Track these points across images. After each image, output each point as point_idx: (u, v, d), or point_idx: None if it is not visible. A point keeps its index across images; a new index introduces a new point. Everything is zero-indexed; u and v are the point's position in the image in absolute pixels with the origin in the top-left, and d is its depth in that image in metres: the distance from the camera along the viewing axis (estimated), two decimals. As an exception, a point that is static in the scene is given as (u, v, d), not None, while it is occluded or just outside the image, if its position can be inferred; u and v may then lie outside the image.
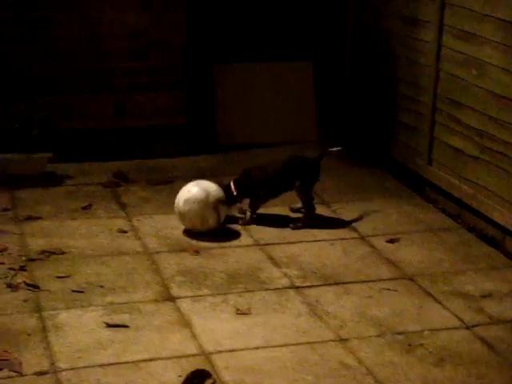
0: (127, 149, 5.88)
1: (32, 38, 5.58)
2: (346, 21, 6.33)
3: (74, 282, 4.04)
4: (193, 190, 4.66)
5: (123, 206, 5.04)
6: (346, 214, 5.05)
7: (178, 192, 4.78)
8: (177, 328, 3.69)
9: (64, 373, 3.29)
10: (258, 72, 6.39)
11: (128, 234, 4.64)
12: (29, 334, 3.54)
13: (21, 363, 3.32)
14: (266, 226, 4.83)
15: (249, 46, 6.40)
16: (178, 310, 3.85)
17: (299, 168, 4.85)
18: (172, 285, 4.09)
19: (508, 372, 3.41)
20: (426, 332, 3.70)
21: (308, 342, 3.60)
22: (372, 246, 4.60)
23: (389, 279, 4.21)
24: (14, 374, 3.27)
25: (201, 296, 3.99)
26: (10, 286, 3.93)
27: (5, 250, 4.32)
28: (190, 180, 5.00)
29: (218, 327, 3.71)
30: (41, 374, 3.27)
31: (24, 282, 3.96)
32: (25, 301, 3.82)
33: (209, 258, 4.41)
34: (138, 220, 4.84)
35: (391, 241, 4.66)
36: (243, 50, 6.38)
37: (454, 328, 3.75)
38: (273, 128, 6.39)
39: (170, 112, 5.99)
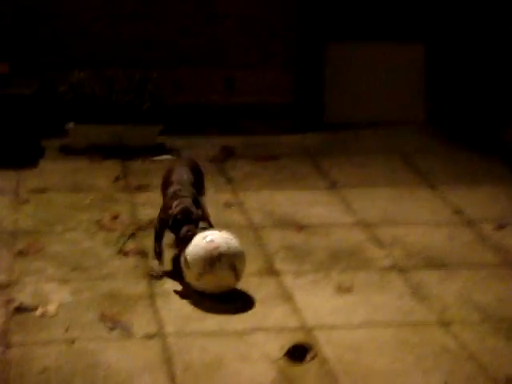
0: (235, 124, 5.97)
1: (148, 15, 5.74)
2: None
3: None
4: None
5: (229, 181, 5.13)
6: (453, 197, 4.99)
7: (281, 169, 4.82)
8: (279, 302, 3.74)
9: (170, 337, 3.40)
10: (370, 51, 6.33)
11: (233, 208, 4.73)
12: (138, 299, 3.68)
13: (131, 325, 3.46)
14: (370, 204, 4.83)
15: (361, 24, 6.36)
16: (280, 284, 3.91)
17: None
18: (275, 259, 4.15)
19: None
20: (529, 325, 3.65)
21: (409, 324, 3.59)
22: (479, 231, 4.54)
23: (496, 265, 4.15)
24: (125, 334, 3.41)
25: (303, 272, 4.03)
26: (120, 251, 4.08)
27: (117, 217, 4.48)
28: (294, 157, 5.04)
29: (319, 303, 3.75)
30: (149, 337, 3.40)
31: (134, 250, 4.11)
32: (135, 267, 3.96)
33: (312, 235, 4.45)
34: (243, 195, 4.92)
35: (499, 227, 4.58)
36: (355, 28, 6.34)
37: (561, 318, 3.68)
38: (380, 108, 6.35)
39: (279, 89, 6.04)
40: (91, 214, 4.52)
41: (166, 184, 4.06)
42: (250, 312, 3.65)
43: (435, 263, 4.16)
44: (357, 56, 6.36)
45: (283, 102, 6.10)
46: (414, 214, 4.74)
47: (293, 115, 6.13)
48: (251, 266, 4.05)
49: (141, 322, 3.50)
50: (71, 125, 5.41)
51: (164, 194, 4.03)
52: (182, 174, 4.06)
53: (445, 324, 3.60)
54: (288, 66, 6.05)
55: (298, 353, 3.32)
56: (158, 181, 5.04)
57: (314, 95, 6.28)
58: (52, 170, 5.15)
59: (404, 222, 4.65)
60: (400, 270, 4.08)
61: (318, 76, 6.29)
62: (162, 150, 5.48)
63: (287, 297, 3.79)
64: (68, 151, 5.40)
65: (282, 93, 6.09)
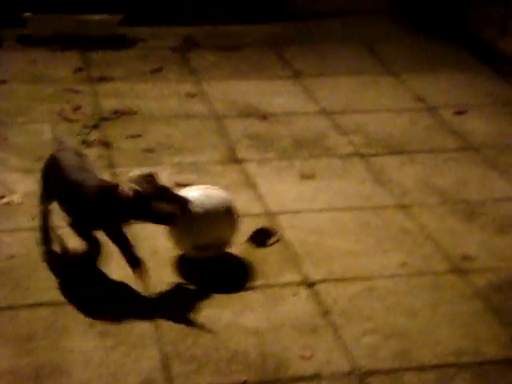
0: (198, 14, 5.88)
1: None
2: None
3: (143, 141, 4.16)
4: None
5: (192, 71, 5.10)
6: (414, 84, 5.02)
7: (244, 59, 4.80)
8: (242, 189, 3.79)
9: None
10: None
11: (197, 98, 4.72)
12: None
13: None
14: (333, 92, 4.86)
15: None
16: (243, 172, 3.95)
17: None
18: (239, 148, 4.18)
19: None
20: (489, 201, 3.74)
21: (370, 207, 3.68)
22: (439, 117, 4.60)
23: (454, 150, 4.23)
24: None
25: (266, 159, 4.07)
26: (84, 142, 4.08)
27: (79, 108, 4.46)
28: (257, 47, 5.02)
29: (282, 190, 3.81)
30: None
31: (97, 140, 4.11)
32: (98, 157, 3.97)
33: (275, 123, 4.47)
34: (206, 85, 4.90)
35: (459, 112, 4.64)
36: None
37: (518, 199, 3.79)
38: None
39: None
40: (53, 105, 4.48)
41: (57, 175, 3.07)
42: (214, 199, 3.70)
43: (396, 149, 4.22)
44: None
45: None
46: (376, 102, 4.78)
47: (256, 5, 6.05)
48: (214, 154, 4.09)
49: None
50: (29, 14, 5.29)
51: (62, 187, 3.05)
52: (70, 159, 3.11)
53: (404, 207, 3.69)
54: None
55: (261, 237, 3.39)
56: (120, 71, 5.02)
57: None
58: (10, 61, 5.07)
59: (366, 109, 4.68)
60: (361, 156, 4.14)
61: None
62: (123, 40, 5.40)
63: (251, 184, 3.84)
64: (26, 41, 5.30)
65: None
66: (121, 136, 4.19)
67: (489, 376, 2.68)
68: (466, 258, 3.31)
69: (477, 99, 4.83)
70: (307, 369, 2.68)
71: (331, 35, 5.83)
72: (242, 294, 3.05)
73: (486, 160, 4.13)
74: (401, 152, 4.19)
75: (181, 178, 3.82)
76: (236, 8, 5.97)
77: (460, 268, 3.25)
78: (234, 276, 3.17)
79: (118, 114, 4.42)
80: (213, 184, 3.51)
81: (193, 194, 3.14)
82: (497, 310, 3.00)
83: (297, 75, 5.13)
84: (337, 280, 3.15)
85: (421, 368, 2.71)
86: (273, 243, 3.37)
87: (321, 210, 3.64)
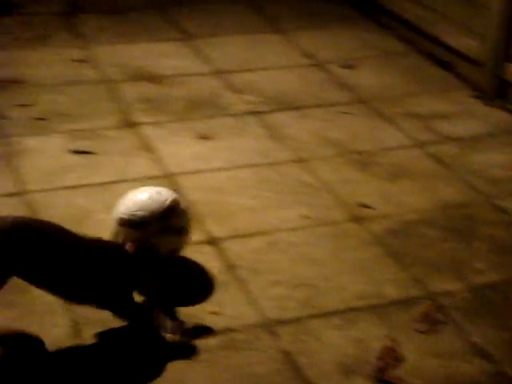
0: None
1: None
2: None
3: (35, 110, 4.08)
4: None
5: (79, 36, 5.01)
6: (302, 41, 5.10)
7: (131, 23, 4.76)
8: (140, 152, 3.79)
9: (33, 194, 3.40)
10: None
11: (86, 64, 4.65)
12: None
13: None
14: (224, 52, 4.88)
15: None
16: (140, 135, 3.94)
17: None
18: (133, 112, 4.16)
19: (455, 183, 3.61)
20: (380, 151, 3.87)
21: (268, 163, 3.74)
22: (328, 72, 4.69)
23: (345, 103, 4.33)
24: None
25: (162, 122, 4.07)
26: (-28, 114, 3.98)
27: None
28: (143, 9, 5.00)
29: (180, 151, 3.82)
30: (11, 195, 3.38)
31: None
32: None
33: (168, 86, 4.46)
34: (95, 50, 4.83)
35: (347, 66, 4.75)
36: None
37: (407, 146, 3.92)
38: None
39: None
40: None
41: None
42: (111, 164, 3.68)
43: (289, 105, 4.29)
44: None
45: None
46: (266, 60, 4.83)
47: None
48: (109, 120, 4.06)
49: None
50: None
51: None
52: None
53: (301, 161, 3.77)
54: None
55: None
56: (2, 38, 4.87)
57: None
58: None
59: (257, 67, 4.73)
60: (256, 113, 4.19)
61: None
62: (3, 6, 5.25)
63: (148, 147, 3.84)
64: None
65: None
66: (10, 105, 4.10)
67: (391, 316, 2.80)
68: (363, 206, 3.42)
69: (363, 52, 4.96)
70: (218, 323, 2.73)
71: (217, -5, 5.85)
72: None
73: (376, 111, 4.25)
74: (294, 108, 4.26)
75: (76, 145, 3.78)
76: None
77: (358, 216, 3.36)
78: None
79: (5, 83, 4.31)
80: (109, 148, 3.50)
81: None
82: (395, 254, 3.13)
83: (186, 37, 5.12)
84: (240, 236, 3.20)
85: (327, 314, 2.81)
86: (174, 204, 3.38)
87: (220, 169, 3.68)
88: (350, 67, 4.74)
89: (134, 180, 3.56)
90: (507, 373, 2.58)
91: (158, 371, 2.52)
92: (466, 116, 4.22)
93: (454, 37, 4.66)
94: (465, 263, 3.09)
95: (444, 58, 4.79)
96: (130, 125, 4.03)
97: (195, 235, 3.17)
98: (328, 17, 5.47)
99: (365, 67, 4.76)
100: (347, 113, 4.22)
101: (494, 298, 2.91)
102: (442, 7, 4.76)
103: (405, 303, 2.87)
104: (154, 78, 4.52)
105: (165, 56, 4.83)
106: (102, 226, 3.22)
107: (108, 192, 3.45)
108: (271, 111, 4.22)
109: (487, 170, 3.72)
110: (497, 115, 4.23)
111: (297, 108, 4.26)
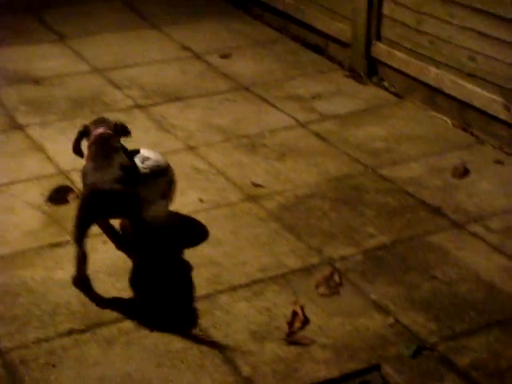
0: None
1: None
2: None
3: None
4: None
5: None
6: (178, 35, 5.20)
7: (5, 27, 4.78)
8: (31, 153, 3.81)
9: None
10: None
11: (-38, 71, 4.60)
12: None
13: None
14: (101, 50, 4.93)
15: None
16: (28, 136, 3.95)
17: None
18: (17, 114, 4.16)
19: (340, 157, 3.82)
20: (266, 133, 4.03)
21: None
22: (207, 63, 4.82)
23: (227, 91, 4.47)
24: None
25: (48, 122, 4.09)
26: None
27: None
28: (17, 13, 5.01)
29: (70, 148, 3.83)
30: None
31: None
32: None
33: (50, 86, 4.48)
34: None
35: (224, 56, 4.89)
36: None
37: (291, 127, 4.10)
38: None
39: None
40: None
41: None
42: (3, 166, 3.68)
43: (173, 97, 4.39)
44: None
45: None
46: (145, 55, 4.91)
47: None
48: (-6, 124, 4.05)
49: None
50: None
51: None
52: None
53: (192, 148, 3.88)
54: None
55: (60, 195, 3.45)
56: None
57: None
58: None
59: (137, 63, 4.81)
60: (141, 107, 4.28)
61: None
62: None
63: (38, 147, 3.86)
64: None
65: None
66: None
67: (294, 284, 2.96)
68: (255, 185, 3.57)
69: (238, 42, 5.11)
70: (134, 306, 2.82)
71: (88, -5, 5.87)
72: (52, 250, 3.10)
73: (257, 97, 4.41)
74: (178, 99, 4.37)
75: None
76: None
77: (252, 195, 3.51)
78: (40, 235, 3.21)
79: None
80: None
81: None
82: (291, 227, 3.29)
83: (62, 38, 5.14)
84: (141, 224, 3.28)
85: (233, 288, 2.94)
86: (72, 200, 3.43)
87: (113, 163, 3.73)
88: (227, 57, 4.89)
89: (28, 180, 3.58)
90: (403, 322, 2.78)
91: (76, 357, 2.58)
92: (342, 95, 4.44)
93: (324, 22, 4.88)
94: (356, 229, 3.28)
95: (316, 43, 5.01)
96: (17, 127, 4.04)
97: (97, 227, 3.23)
98: (201, 11, 5.60)
99: (242, 56, 4.91)
100: (230, 100, 4.36)
101: (386, 257, 3.12)
102: (310, -6, 4.98)
103: (305, 271, 3.03)
104: (34, 80, 4.52)
105: (42, 58, 4.84)
106: (1, 228, 3.25)
107: (3, 195, 3.46)
108: (156, 104, 4.31)
109: (368, 143, 3.94)
110: (370, 92, 4.47)
111: (181, 99, 4.37)
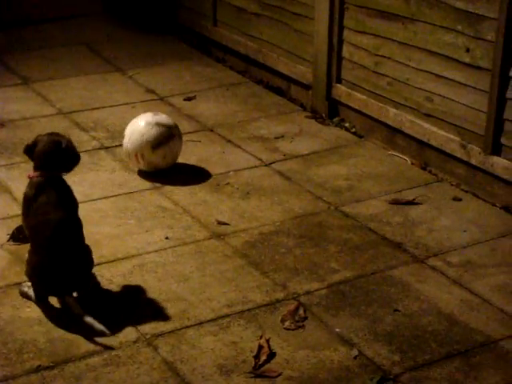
0: None
1: None
2: None
3: None
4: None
5: None
6: (142, 78, 5.29)
7: None
8: (-3, 194, 3.84)
9: None
10: None
11: None
12: None
13: None
14: (66, 94, 4.99)
15: None
16: (-6, 178, 3.99)
17: None
18: (-17, 157, 4.20)
19: (304, 195, 3.90)
20: (231, 173, 4.10)
21: (125, 193, 3.88)
22: (171, 105, 4.90)
23: (191, 132, 4.54)
24: None
25: (14, 164, 4.13)
26: None
27: None
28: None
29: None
30: None
31: None
32: None
33: (15, 129, 4.52)
34: None
35: (188, 99, 4.98)
36: None
37: (255, 166, 4.18)
38: (56, 2, 6.37)
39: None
40: None
41: None
42: (-31, 208, 3.71)
43: (138, 138, 4.45)
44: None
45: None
46: (109, 98, 4.98)
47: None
48: (-40, 166, 4.07)
49: None
50: None
51: None
52: None
53: (157, 188, 3.94)
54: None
55: (22, 234, 3.46)
56: None
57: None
58: None
59: (102, 106, 4.87)
60: (107, 148, 4.33)
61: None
62: None
63: (3, 189, 3.89)
64: None
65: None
66: None
67: (260, 318, 3.01)
68: (220, 223, 3.63)
69: (201, 85, 5.20)
70: (97, 344, 2.84)
71: (52, 39, 5.94)
72: (19, 288, 3.12)
73: (221, 137, 4.49)
74: (143, 140, 4.43)
75: None
76: None
77: (217, 233, 3.56)
78: (6, 274, 3.23)
79: None
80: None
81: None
82: (255, 264, 3.35)
83: (25, 81, 5.19)
84: (108, 262, 3.32)
85: (200, 323, 2.98)
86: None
87: (79, 202, 3.77)
88: (191, 99, 4.97)
89: (-5, 221, 3.60)
90: (367, 354, 2.84)
91: (46, 394, 2.59)
92: (305, 135, 4.54)
93: (286, 65, 5.00)
94: (321, 265, 3.35)
95: (278, 85, 5.12)
96: (-18, 170, 4.07)
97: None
98: (164, 54, 5.70)
99: (205, 98, 5.00)
100: (195, 141, 4.43)
101: (349, 291, 3.18)
102: (271, 38, 5.10)
103: (271, 305, 3.09)
104: (-1, 123, 4.56)
105: (6, 101, 4.88)
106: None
107: (-30, 234, 3.48)
108: (120, 145, 4.36)
109: (330, 182, 4.03)
110: (332, 132, 4.58)
111: (146, 140, 4.43)
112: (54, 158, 2.98)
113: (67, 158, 3.03)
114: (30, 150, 3.03)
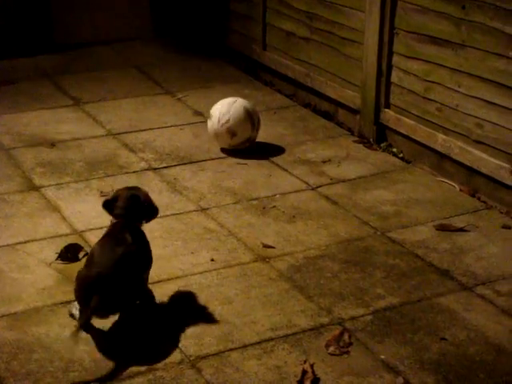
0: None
1: None
2: None
3: None
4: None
5: (-30, 108, 5.08)
6: (191, 100, 5.33)
7: (22, 93, 4.94)
8: (46, 213, 3.88)
9: None
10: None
11: (-19, 134, 4.72)
12: None
13: None
14: (116, 115, 5.05)
15: None
16: (44, 197, 4.04)
17: None
18: (34, 176, 4.25)
19: (350, 220, 3.88)
20: (277, 196, 4.10)
21: (172, 214, 3.90)
22: (219, 128, 4.92)
23: (238, 155, 4.56)
24: None
25: (64, 183, 4.18)
26: None
27: None
28: (33, 79, 5.16)
29: (85, 209, 3.94)
30: None
31: None
32: None
33: (65, 149, 4.59)
34: (-12, 119, 4.91)
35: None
36: None
37: (301, 190, 4.17)
38: (110, 26, 6.48)
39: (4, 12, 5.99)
40: None
41: None
42: (19, 226, 3.75)
43: (185, 160, 4.49)
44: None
45: (11, 24, 6.07)
46: (158, 120, 5.03)
47: (23, 38, 6.11)
48: (11, 185, 4.14)
49: None
50: None
51: None
52: None
53: (203, 210, 3.95)
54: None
55: (71, 253, 3.51)
56: None
57: (42, 16, 6.27)
58: None
59: (150, 127, 4.92)
60: (154, 169, 4.37)
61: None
62: None
63: (53, 208, 3.94)
64: None
65: (9, 14, 6.05)
66: None
67: (304, 343, 2.99)
68: (266, 246, 3.63)
69: (250, 108, 5.22)
70: (142, 364, 2.85)
71: (103, 62, 6.03)
72: (66, 307, 3.15)
73: (268, 160, 4.50)
74: (190, 162, 4.46)
75: (-19, 211, 3.84)
76: (2, 43, 5.99)
77: (262, 256, 3.56)
78: (53, 293, 3.26)
79: None
80: (15, 211, 3.61)
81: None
82: (300, 288, 3.34)
83: (77, 103, 5.27)
84: (154, 283, 3.33)
85: (244, 346, 2.97)
86: (83, 257, 3.49)
87: (126, 223, 3.81)
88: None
89: (43, 239, 3.65)
90: (412, 382, 2.80)
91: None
92: (352, 160, 4.52)
93: (334, 89, 5.00)
94: (366, 290, 3.32)
95: (326, 109, 5.12)
96: (33, 188, 4.13)
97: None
98: (213, 77, 5.74)
99: (253, 121, 5.02)
100: (241, 163, 4.45)
101: (395, 318, 3.15)
102: (320, 62, 5.11)
103: (316, 330, 3.07)
104: (50, 143, 4.63)
105: (58, 122, 4.96)
106: (15, 284, 3.30)
107: (18, 253, 3.52)
108: (169, 166, 4.40)
109: (377, 207, 4.00)
110: (379, 157, 4.56)
111: (193, 162, 4.46)
112: (133, 212, 3.14)
113: (146, 211, 3.19)
114: (109, 205, 3.17)
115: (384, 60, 4.57)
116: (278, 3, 5.45)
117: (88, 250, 3.53)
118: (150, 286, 3.30)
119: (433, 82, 4.30)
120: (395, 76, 4.55)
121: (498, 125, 3.96)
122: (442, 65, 4.22)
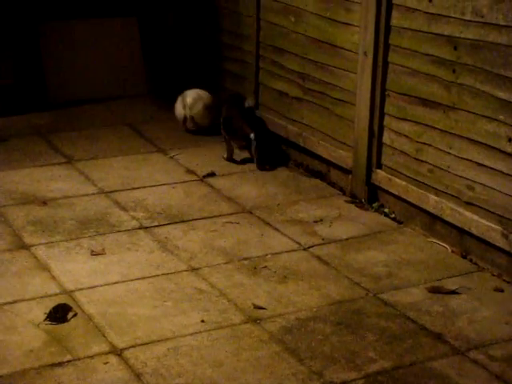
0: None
1: None
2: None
3: None
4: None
5: (-38, 165, 5.07)
6: (183, 159, 5.34)
7: (14, 150, 4.96)
8: (36, 272, 3.85)
9: None
10: (83, 29, 6.50)
11: (-28, 191, 4.70)
12: None
13: None
14: (108, 173, 5.06)
15: (72, 4, 6.50)
16: (33, 256, 4.01)
17: None
18: (24, 234, 4.23)
19: (342, 281, 3.86)
20: (268, 256, 4.08)
21: (163, 274, 3.88)
22: (211, 186, 4.93)
23: (230, 214, 4.55)
24: None
25: (54, 242, 4.16)
26: None
27: None
28: (25, 137, 5.17)
29: (75, 268, 3.91)
30: None
31: None
32: None
33: (56, 207, 4.57)
34: (-20, 177, 4.90)
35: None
36: (67, 7, 6.47)
37: (293, 250, 4.16)
38: (102, 84, 6.53)
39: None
40: None
41: None
42: (8, 285, 3.72)
43: (177, 219, 4.47)
44: (72, 34, 6.49)
45: (3, 83, 6.10)
46: (150, 178, 5.03)
47: (16, 96, 6.15)
48: (0, 243, 4.10)
49: None
50: None
51: None
52: None
53: (194, 269, 3.93)
54: (5, 49, 6.04)
55: (60, 313, 3.47)
56: None
57: (34, 75, 6.32)
58: None
59: (142, 185, 4.92)
60: (146, 228, 4.35)
61: (37, 56, 6.34)
62: None
63: (43, 267, 3.91)
64: None
65: (1, 75, 6.08)
66: None
67: (295, 407, 2.95)
68: (257, 307, 3.60)
69: (242, 167, 5.23)
70: (130, 429, 2.80)
71: (96, 120, 6.05)
72: (53, 369, 3.10)
73: (260, 220, 4.49)
74: (182, 221, 4.45)
75: (-30, 270, 3.80)
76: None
77: (253, 317, 3.53)
78: (41, 355, 3.21)
79: None
80: (3, 270, 3.59)
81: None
82: (291, 350, 3.30)
83: (69, 161, 5.27)
84: (143, 344, 3.29)
85: (234, 411, 2.92)
86: (71, 318, 3.45)
87: (116, 282, 3.78)
88: (230, 180, 5.00)
89: (32, 299, 3.61)
90: None
91: None
92: (344, 220, 4.52)
93: (326, 149, 5.02)
94: (357, 353, 3.29)
95: (318, 169, 5.14)
96: (23, 246, 4.10)
97: (99, 347, 3.26)
98: (205, 136, 5.76)
99: (244, 180, 5.03)
100: (233, 222, 4.44)
101: (387, 382, 3.11)
102: (312, 122, 5.14)
103: (307, 395, 3.02)
104: (41, 201, 4.61)
105: (50, 179, 4.95)
106: (1, 346, 3.26)
107: (5, 313, 3.48)
108: (160, 225, 4.39)
109: (369, 268, 3.99)
110: (371, 217, 4.56)
111: (184, 221, 4.45)
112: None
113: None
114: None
115: (376, 121, 4.60)
116: (270, 63, 5.51)
117: (77, 310, 3.50)
118: (140, 348, 3.26)
119: (424, 144, 4.32)
120: (387, 137, 4.58)
121: (488, 187, 3.97)
122: (433, 126, 4.25)
